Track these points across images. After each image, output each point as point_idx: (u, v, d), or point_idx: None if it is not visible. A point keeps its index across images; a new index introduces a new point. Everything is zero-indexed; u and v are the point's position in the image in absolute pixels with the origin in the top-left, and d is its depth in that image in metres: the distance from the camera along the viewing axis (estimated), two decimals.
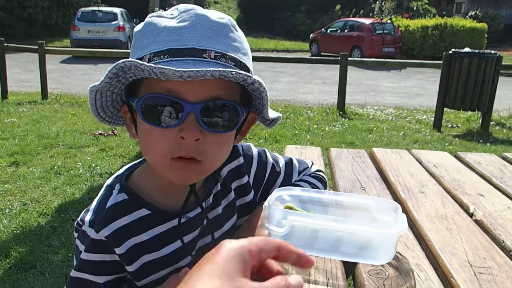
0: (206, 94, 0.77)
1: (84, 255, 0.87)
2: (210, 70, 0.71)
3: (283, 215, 0.92)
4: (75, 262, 0.90)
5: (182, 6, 0.84)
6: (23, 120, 6.68)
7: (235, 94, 0.82)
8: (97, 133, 5.98)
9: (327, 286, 0.89)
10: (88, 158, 4.98)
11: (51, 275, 2.76)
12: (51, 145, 5.47)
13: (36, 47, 8.43)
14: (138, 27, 0.84)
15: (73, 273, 0.89)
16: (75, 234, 0.92)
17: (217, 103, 0.79)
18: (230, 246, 0.53)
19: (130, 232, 0.88)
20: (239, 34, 0.85)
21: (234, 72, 0.73)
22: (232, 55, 0.80)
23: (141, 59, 0.77)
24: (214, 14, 0.83)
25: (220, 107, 0.80)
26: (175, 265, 0.92)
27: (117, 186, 0.91)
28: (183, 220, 0.91)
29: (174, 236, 0.91)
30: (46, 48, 8.58)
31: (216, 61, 0.77)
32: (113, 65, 0.74)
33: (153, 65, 0.72)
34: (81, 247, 0.88)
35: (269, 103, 0.85)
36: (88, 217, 0.89)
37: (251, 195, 1.06)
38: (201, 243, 0.96)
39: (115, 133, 6.02)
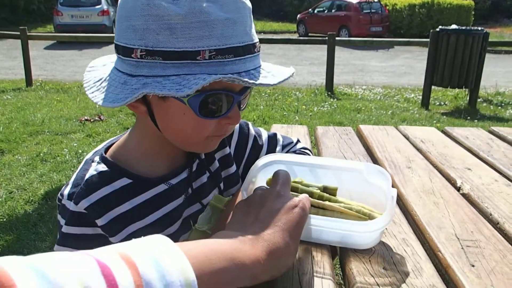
0: (243, 84, 0.80)
1: (65, 229, 0.85)
2: (282, 80, 0.80)
3: None
4: (58, 237, 0.88)
5: None
6: (7, 108, 6.57)
7: None
8: (83, 119, 5.91)
9: (312, 264, 0.87)
10: (75, 144, 4.92)
11: None
12: (37, 132, 5.40)
13: (18, 33, 8.25)
14: (173, 9, 0.72)
15: (56, 248, 0.87)
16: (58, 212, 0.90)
17: (246, 92, 0.84)
18: None
19: (111, 202, 0.86)
20: None
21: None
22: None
23: (193, 52, 0.73)
24: None
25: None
26: (162, 233, 0.91)
27: (96, 159, 0.90)
28: (166, 186, 0.91)
29: (157, 204, 0.91)
30: (28, 34, 8.39)
31: (259, 52, 0.82)
32: (213, 77, 0.71)
33: (255, 82, 0.76)
34: (62, 222, 0.87)
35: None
36: (67, 191, 0.87)
37: (234, 167, 1.06)
38: (187, 212, 0.95)
39: (102, 118, 5.95)
